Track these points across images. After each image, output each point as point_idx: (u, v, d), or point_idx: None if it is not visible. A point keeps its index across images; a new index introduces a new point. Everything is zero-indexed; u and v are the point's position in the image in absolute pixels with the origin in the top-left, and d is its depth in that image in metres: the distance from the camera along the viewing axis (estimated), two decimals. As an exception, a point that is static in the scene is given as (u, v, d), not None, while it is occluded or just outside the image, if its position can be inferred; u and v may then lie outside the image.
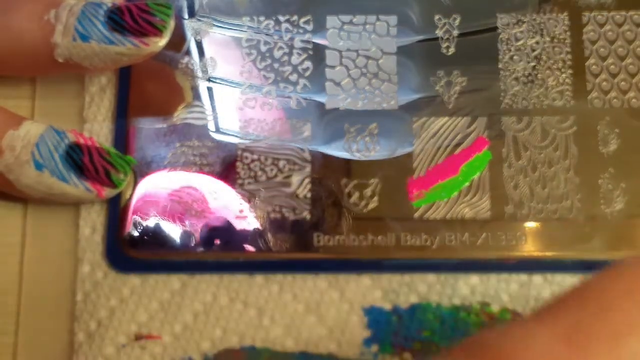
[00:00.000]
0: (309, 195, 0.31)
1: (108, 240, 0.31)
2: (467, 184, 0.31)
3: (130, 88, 0.33)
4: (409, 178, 0.31)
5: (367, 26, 0.33)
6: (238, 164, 0.32)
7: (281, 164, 0.31)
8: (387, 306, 0.30)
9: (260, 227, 0.31)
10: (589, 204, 0.30)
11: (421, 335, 0.30)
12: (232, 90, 0.33)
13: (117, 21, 0.30)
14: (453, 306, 0.30)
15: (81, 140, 0.30)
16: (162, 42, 0.30)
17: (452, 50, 0.33)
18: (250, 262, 0.31)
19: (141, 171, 0.32)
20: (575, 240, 0.30)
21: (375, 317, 0.30)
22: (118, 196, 0.31)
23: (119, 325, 0.30)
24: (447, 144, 0.31)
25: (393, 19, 0.33)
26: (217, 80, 0.33)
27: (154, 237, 0.31)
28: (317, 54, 0.33)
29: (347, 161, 0.32)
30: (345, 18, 0.33)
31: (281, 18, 0.33)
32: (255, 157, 0.32)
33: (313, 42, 0.33)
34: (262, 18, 0.33)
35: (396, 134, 0.32)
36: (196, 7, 0.34)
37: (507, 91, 0.32)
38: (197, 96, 0.33)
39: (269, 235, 0.31)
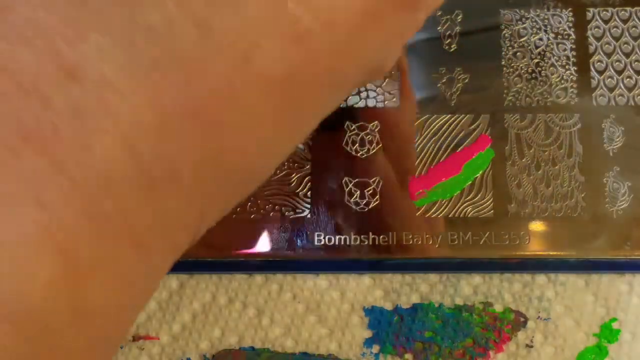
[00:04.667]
0: (309, 193, 0.31)
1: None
2: (469, 182, 0.31)
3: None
4: (410, 177, 0.31)
5: (368, 23, 0.32)
6: (237, 162, 0.31)
7: (281, 162, 0.31)
8: (389, 306, 0.30)
9: (259, 226, 0.30)
10: (593, 203, 0.30)
11: (423, 335, 0.29)
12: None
13: None
14: (455, 306, 0.30)
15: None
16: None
17: (454, 46, 0.32)
18: (250, 262, 0.30)
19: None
20: (580, 239, 0.30)
21: (377, 317, 0.30)
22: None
23: (117, 325, 0.30)
24: (450, 142, 0.31)
25: (394, 16, 0.32)
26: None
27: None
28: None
29: (348, 159, 0.31)
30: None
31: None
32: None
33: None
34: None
35: (398, 132, 0.31)
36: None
37: (510, 88, 0.32)
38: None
39: (269, 235, 0.30)
